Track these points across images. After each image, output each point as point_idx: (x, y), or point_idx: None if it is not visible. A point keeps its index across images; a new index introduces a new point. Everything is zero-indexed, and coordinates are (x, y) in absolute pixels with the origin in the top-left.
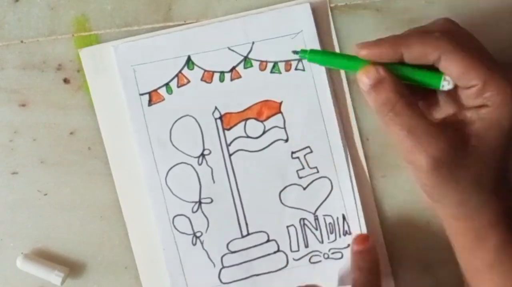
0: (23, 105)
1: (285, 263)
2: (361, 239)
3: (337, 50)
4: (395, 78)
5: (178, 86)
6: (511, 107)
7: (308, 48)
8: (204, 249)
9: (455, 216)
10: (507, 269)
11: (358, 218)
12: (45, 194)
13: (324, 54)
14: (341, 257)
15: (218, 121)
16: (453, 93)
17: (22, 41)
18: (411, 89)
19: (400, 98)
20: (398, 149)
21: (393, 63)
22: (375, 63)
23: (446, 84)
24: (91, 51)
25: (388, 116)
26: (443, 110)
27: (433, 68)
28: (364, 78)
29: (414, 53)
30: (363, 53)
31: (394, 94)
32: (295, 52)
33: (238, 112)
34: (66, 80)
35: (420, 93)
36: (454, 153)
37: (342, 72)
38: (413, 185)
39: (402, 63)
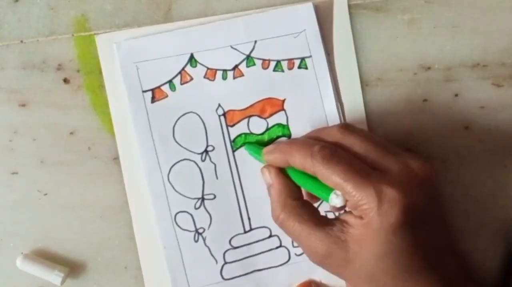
0: (23, 105)
1: (287, 258)
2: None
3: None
4: (284, 184)
5: (181, 84)
6: (380, 220)
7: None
8: (206, 245)
9: None
10: None
11: None
12: (45, 194)
13: (255, 149)
14: None
15: (222, 118)
16: None
17: (22, 41)
18: None
19: (283, 209)
20: None
21: (295, 169)
22: (271, 165)
23: (336, 202)
24: (107, 37)
25: (277, 221)
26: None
27: None
28: (262, 178)
29: (296, 164)
30: (264, 158)
31: (279, 205)
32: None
33: (242, 110)
34: (66, 80)
35: None
36: (333, 258)
37: (345, 71)
38: None
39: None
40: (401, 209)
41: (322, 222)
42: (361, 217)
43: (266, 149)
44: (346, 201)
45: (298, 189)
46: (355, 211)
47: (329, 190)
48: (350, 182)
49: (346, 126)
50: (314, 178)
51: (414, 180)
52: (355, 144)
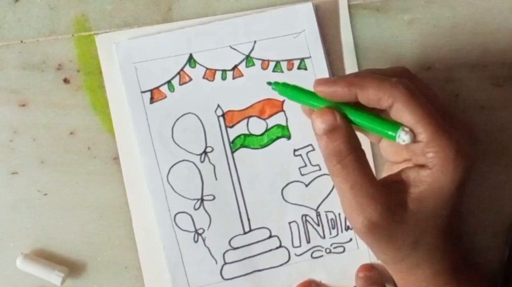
0: (23, 105)
1: (287, 259)
2: (366, 267)
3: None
4: (350, 128)
5: (180, 84)
6: (452, 172)
7: (281, 81)
8: (206, 246)
9: (395, 269)
10: None
11: None
12: (45, 194)
13: (292, 89)
14: (343, 251)
15: (221, 118)
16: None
17: (22, 41)
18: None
19: (351, 152)
20: (340, 201)
21: (350, 108)
22: (332, 108)
23: (405, 139)
24: (107, 37)
25: (335, 168)
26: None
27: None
28: (319, 121)
29: (368, 96)
30: (318, 89)
31: (346, 147)
32: (268, 83)
33: (241, 110)
34: (66, 80)
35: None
36: (391, 217)
37: (345, 71)
38: None
39: (359, 109)
40: (469, 165)
41: (378, 181)
42: (426, 167)
43: (320, 80)
44: (415, 141)
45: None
46: (421, 158)
47: (397, 126)
48: (430, 126)
49: (409, 70)
50: (376, 116)
51: (470, 140)
52: (423, 89)
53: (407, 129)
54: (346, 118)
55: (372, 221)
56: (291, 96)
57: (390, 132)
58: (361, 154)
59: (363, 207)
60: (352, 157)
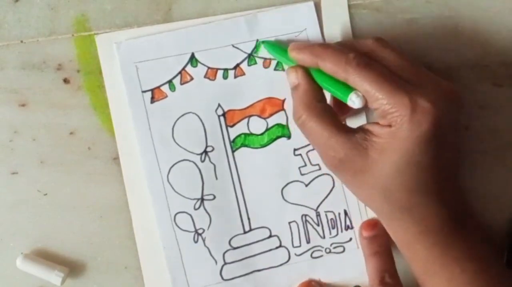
0: (23, 105)
1: (287, 259)
2: (369, 224)
3: None
4: (310, 85)
5: (181, 84)
6: (409, 129)
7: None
8: (206, 246)
9: (386, 227)
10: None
11: (360, 213)
12: (45, 194)
13: (274, 47)
14: (343, 251)
15: (221, 118)
16: None
17: (22, 41)
18: None
19: (307, 109)
20: None
21: (316, 69)
22: (297, 67)
23: (355, 102)
24: (107, 37)
25: (297, 122)
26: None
27: None
28: (288, 78)
29: (326, 68)
30: (290, 54)
31: (303, 106)
32: (258, 42)
33: (241, 109)
34: (66, 80)
35: None
36: (350, 164)
37: None
38: None
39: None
40: (432, 121)
41: (344, 129)
42: (389, 126)
43: (294, 45)
44: (366, 103)
45: (322, 92)
46: (383, 120)
47: (351, 91)
48: (384, 90)
49: (381, 40)
50: (337, 80)
51: (445, 98)
52: (389, 57)
53: (359, 93)
54: (307, 78)
55: (333, 166)
56: (274, 52)
57: (343, 95)
58: (321, 106)
59: (324, 155)
60: (308, 113)
